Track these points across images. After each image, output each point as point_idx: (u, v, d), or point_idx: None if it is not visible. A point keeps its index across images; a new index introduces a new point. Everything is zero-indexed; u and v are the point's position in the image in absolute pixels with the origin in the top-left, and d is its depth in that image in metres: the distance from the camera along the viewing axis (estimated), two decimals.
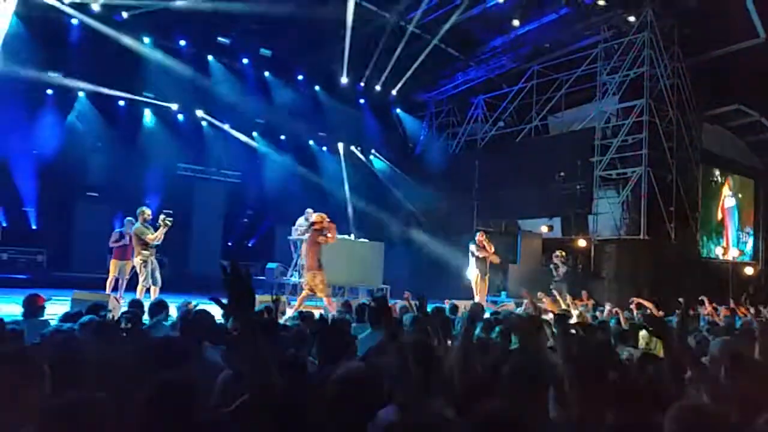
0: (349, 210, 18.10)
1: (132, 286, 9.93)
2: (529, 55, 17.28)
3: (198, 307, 5.47)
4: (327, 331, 3.53)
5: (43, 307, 5.32)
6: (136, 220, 9.83)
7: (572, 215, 16.56)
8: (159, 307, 5.53)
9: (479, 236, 12.12)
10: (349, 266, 13.39)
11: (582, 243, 15.59)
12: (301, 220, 13.50)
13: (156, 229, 9.77)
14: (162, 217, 9.68)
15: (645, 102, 14.84)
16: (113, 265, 10.30)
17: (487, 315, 6.68)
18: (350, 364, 2.26)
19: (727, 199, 19.44)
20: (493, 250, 12.02)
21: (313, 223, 10.02)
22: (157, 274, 9.77)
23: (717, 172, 18.84)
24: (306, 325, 4.82)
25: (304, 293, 9.70)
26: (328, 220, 9.98)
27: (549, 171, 16.22)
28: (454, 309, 7.25)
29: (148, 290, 9.67)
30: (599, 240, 15.55)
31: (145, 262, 9.58)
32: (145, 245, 9.61)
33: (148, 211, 9.82)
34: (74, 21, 14.01)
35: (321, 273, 9.53)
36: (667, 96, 15.29)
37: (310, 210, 13.45)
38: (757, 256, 20.09)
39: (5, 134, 14.12)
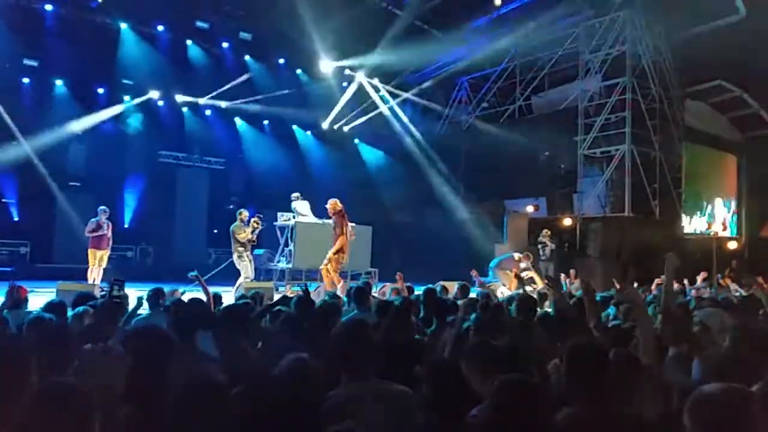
0: (335, 193, 17.97)
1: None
2: (512, 34, 17.15)
3: (184, 295, 5.43)
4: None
5: (26, 299, 5.25)
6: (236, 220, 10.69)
7: (557, 194, 16.62)
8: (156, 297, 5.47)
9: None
10: None
11: (567, 222, 15.65)
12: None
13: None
14: (254, 219, 10.96)
15: (627, 80, 14.88)
16: (91, 254, 10.63)
17: (473, 295, 6.74)
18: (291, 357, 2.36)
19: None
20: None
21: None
22: (251, 267, 10.67)
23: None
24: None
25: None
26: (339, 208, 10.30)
27: (534, 151, 16.23)
28: (444, 290, 7.34)
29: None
30: (584, 218, 15.63)
31: (240, 256, 10.56)
32: (239, 242, 10.60)
33: (245, 213, 10.93)
34: (48, 7, 13.69)
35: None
36: (649, 73, 15.32)
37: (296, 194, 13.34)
38: (739, 231, 20.35)
39: None
